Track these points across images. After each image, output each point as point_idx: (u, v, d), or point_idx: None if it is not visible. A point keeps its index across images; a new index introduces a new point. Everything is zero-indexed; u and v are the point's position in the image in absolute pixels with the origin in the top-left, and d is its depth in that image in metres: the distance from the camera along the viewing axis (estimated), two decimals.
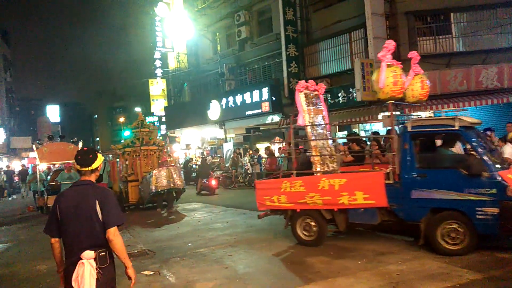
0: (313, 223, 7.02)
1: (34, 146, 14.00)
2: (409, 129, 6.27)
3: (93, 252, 2.92)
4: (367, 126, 16.70)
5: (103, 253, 2.96)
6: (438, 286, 4.74)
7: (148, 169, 13.10)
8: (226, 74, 22.26)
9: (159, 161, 13.14)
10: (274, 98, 18.65)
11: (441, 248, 5.89)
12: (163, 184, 11.64)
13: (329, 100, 15.37)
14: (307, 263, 6.04)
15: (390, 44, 6.62)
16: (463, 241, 5.77)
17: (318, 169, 7.20)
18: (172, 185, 11.77)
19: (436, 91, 13.75)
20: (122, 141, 19.43)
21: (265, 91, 18.93)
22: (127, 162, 13.47)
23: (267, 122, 19.74)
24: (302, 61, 18.25)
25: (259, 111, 19.26)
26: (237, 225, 9.36)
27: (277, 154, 15.25)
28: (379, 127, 15.77)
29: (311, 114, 7.67)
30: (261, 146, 18.21)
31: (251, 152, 17.98)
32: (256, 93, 19.42)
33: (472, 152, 5.78)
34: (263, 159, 15.64)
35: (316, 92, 8.04)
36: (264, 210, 7.64)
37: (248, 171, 17.71)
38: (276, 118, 18.93)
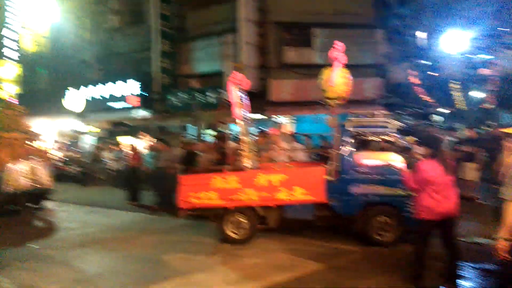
0: (244, 220, 6.77)
1: None
2: (348, 128, 6.62)
3: None
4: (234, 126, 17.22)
5: None
6: (286, 277, 5.10)
7: (10, 162, 10.46)
8: (92, 62, 20.67)
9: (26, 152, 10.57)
10: (144, 93, 17.95)
11: (374, 239, 6.35)
12: (22, 183, 9.54)
13: (200, 100, 15.41)
14: (164, 261, 5.92)
15: (340, 44, 6.73)
16: (392, 233, 6.29)
17: (247, 164, 6.99)
18: (37, 184, 9.72)
19: (297, 98, 14.91)
20: None
21: (134, 84, 18.09)
22: None
23: (135, 116, 18.89)
24: (175, 57, 17.94)
25: (127, 104, 18.33)
26: (90, 225, 8.69)
27: (145, 151, 14.72)
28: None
29: (241, 108, 7.42)
30: (124, 141, 17.34)
31: (113, 147, 16.97)
32: (124, 85, 18.43)
33: (404, 150, 6.26)
34: (126, 155, 14.89)
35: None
36: (187, 208, 6.93)
37: (110, 168, 16.69)
38: (145, 113, 18.25)
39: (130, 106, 18.20)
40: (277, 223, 6.85)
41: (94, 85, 19.48)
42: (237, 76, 7.42)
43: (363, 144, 6.87)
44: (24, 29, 24.12)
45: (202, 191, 6.71)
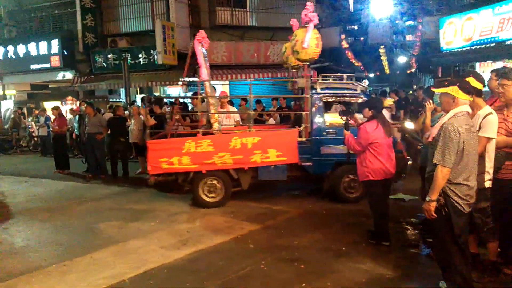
0: (218, 184, 6.73)
1: None
2: (318, 90, 6.69)
3: None
4: (168, 90, 16.77)
5: None
6: (223, 239, 5.22)
7: None
8: (5, 18, 18.64)
9: None
10: (66, 53, 16.66)
11: (343, 196, 6.77)
12: None
13: (129, 61, 14.67)
14: (98, 229, 5.78)
15: (310, 4, 6.53)
16: (358, 190, 6.73)
17: (216, 127, 6.91)
18: None
19: (231, 61, 14.74)
20: None
21: (54, 43, 16.70)
22: None
23: (57, 79, 17.59)
24: (100, 15, 16.74)
25: (48, 65, 16.96)
26: (16, 195, 8.19)
27: (69, 116, 13.88)
28: (179, 92, 16.04)
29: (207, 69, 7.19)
30: (49, 106, 16.20)
31: (36, 112, 15.79)
32: (43, 44, 16.95)
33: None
34: (51, 120, 13.97)
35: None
36: (157, 174, 6.66)
37: (34, 134, 15.60)
38: (69, 75, 17.05)
39: (52, 67, 16.90)
40: (248, 185, 6.91)
41: (12, 44, 17.71)
42: (202, 34, 7.14)
43: (328, 107, 7.08)
44: None
45: (174, 156, 6.51)
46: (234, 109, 9.01)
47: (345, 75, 7.24)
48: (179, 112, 8.81)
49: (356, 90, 6.79)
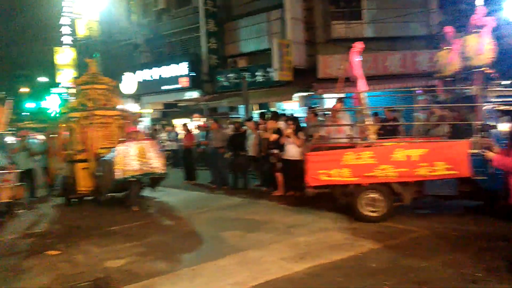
0: (380, 198, 6.53)
1: None
2: (490, 98, 6.25)
3: None
4: (283, 105, 17.18)
5: None
6: (342, 255, 5.10)
7: (106, 144, 9.22)
8: (142, 45, 21.24)
9: (127, 133, 9.11)
10: (193, 74, 18.28)
11: None
12: (134, 167, 8.12)
13: (248, 79, 15.46)
14: (221, 238, 6.13)
15: (481, 8, 6.34)
16: None
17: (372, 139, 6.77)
18: (147, 168, 8.28)
19: (348, 74, 14.51)
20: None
21: (184, 65, 18.46)
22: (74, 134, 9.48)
23: (185, 97, 19.33)
24: (221, 37, 18.04)
25: (177, 86, 18.78)
26: (155, 203, 9.13)
27: (196, 131, 15.08)
28: (295, 107, 16.31)
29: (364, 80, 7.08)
30: (179, 122, 17.83)
31: (168, 128, 17.53)
32: (174, 67, 18.85)
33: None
34: (181, 136, 15.34)
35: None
36: (315, 185, 6.64)
37: (166, 148, 17.31)
38: (195, 94, 18.62)
39: (181, 87, 18.62)
40: (411, 200, 6.60)
41: (148, 68, 20.03)
42: (359, 45, 7.06)
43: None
44: (77, 16, 25.11)
45: (334, 168, 6.45)
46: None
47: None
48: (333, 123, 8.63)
49: None
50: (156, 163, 8.35)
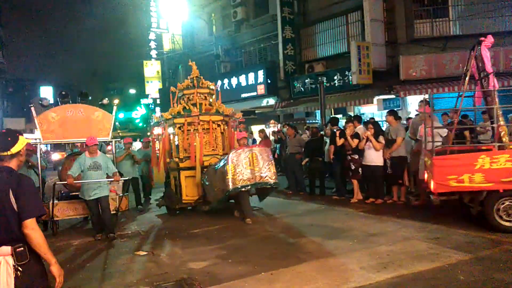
0: None
1: (32, 109, 8.08)
2: None
3: (9, 247, 2.58)
4: (362, 109, 16.72)
5: (21, 248, 2.61)
6: (427, 266, 4.81)
7: (210, 151, 8.90)
8: (222, 56, 22.07)
9: (238, 140, 8.35)
10: (269, 81, 18.57)
11: None
12: (246, 176, 7.48)
13: (325, 83, 15.31)
14: (299, 244, 6.11)
15: None
16: None
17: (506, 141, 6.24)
18: (260, 178, 7.58)
19: (432, 74, 13.74)
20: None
21: (260, 73, 18.84)
22: (177, 140, 9.17)
23: (262, 105, 19.68)
24: (298, 43, 18.12)
25: (255, 93, 19.19)
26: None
27: (272, 137, 15.26)
28: (374, 111, 15.81)
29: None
30: (256, 129, 18.18)
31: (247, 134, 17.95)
32: (251, 75, 19.32)
33: None
34: (256, 142, 15.62)
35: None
36: (443, 192, 6.21)
37: None
38: (272, 101, 18.88)
39: (258, 94, 19.01)
40: None
41: (227, 77, 20.76)
42: (490, 39, 6.51)
43: None
44: (163, 30, 26.85)
45: (465, 173, 5.96)
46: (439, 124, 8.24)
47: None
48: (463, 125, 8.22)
49: None
50: (268, 172, 7.65)
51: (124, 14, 42.52)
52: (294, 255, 5.55)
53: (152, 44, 28.26)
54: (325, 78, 15.66)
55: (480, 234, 5.91)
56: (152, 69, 29.82)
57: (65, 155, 10.43)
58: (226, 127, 9.28)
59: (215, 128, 8.93)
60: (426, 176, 6.90)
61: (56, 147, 22.24)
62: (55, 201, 7.44)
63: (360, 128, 9.03)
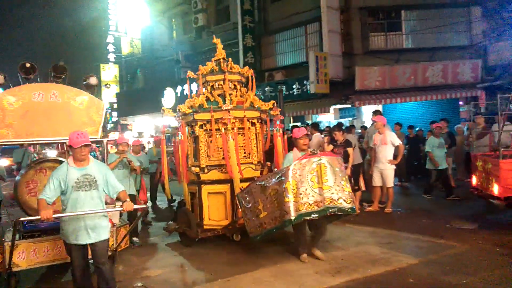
0: None
1: None
2: None
3: None
4: (319, 117, 17.13)
5: None
6: (379, 270, 4.99)
7: (242, 159, 6.47)
8: (182, 61, 21.90)
9: (296, 139, 5.79)
10: None
11: None
12: (312, 199, 4.94)
13: (284, 92, 15.56)
14: (258, 249, 6.14)
15: None
16: None
17: None
18: (330, 201, 4.99)
19: (386, 85, 14.33)
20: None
21: None
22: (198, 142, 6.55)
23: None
24: (258, 52, 18.32)
25: None
26: None
27: None
28: (331, 119, 16.23)
29: None
30: None
31: None
32: None
33: None
34: None
35: None
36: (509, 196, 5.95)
37: None
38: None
39: None
40: None
41: (189, 84, 20.52)
42: None
43: None
44: (122, 34, 26.33)
45: None
46: (392, 133, 8.49)
47: None
48: None
49: None
50: (340, 192, 5.08)
51: (82, 16, 41.30)
52: (252, 261, 5.58)
53: (110, 48, 27.57)
54: (284, 86, 15.92)
55: (430, 239, 6.20)
56: (109, 72, 29.05)
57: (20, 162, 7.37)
58: (260, 126, 6.80)
59: (249, 128, 6.55)
60: (476, 180, 6.86)
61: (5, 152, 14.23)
62: (16, 240, 4.49)
63: (316, 136, 9.23)
